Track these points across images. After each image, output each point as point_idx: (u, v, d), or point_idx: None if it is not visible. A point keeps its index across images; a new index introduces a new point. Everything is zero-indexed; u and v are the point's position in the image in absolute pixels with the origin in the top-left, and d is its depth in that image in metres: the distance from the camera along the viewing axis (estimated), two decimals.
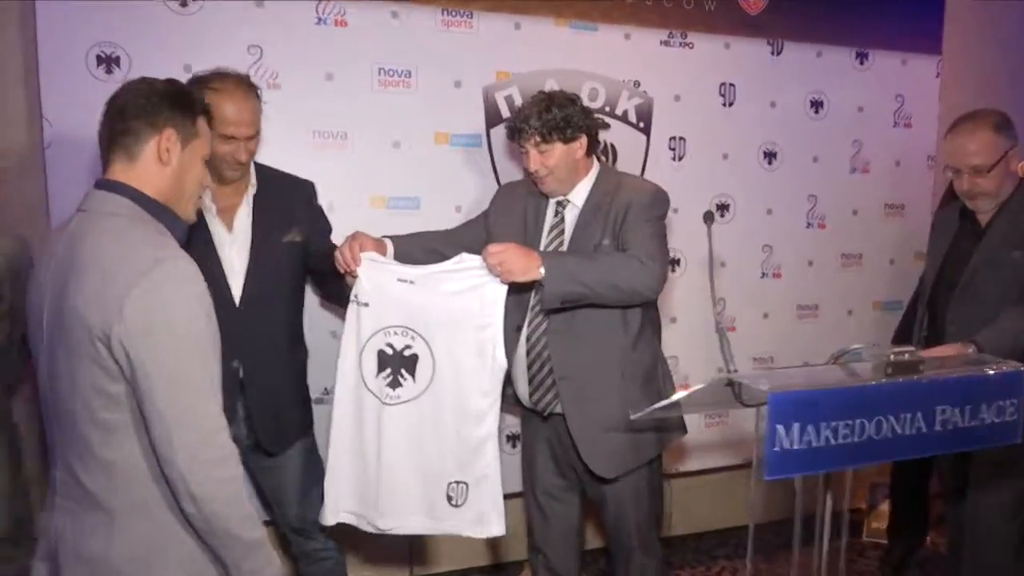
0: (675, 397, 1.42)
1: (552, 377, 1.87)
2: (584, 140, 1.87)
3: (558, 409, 1.89)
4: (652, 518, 2.01)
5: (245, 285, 1.77)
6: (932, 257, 2.13)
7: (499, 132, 2.38)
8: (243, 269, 1.78)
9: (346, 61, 2.23)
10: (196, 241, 1.58)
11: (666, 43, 2.56)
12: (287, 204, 1.88)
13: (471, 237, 1.95)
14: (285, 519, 1.96)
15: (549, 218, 1.94)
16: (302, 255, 1.89)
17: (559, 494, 2.02)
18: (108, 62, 2.03)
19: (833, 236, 2.87)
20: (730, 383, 1.39)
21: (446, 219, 2.30)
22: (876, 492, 3.09)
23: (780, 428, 1.22)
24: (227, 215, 1.80)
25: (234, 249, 1.79)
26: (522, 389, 1.94)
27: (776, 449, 1.22)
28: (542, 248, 1.88)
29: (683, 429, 2.03)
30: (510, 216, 1.97)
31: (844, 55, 2.81)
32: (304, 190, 1.95)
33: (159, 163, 1.19)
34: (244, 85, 1.76)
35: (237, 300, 1.76)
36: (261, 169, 1.88)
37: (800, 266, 2.83)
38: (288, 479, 1.91)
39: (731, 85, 2.66)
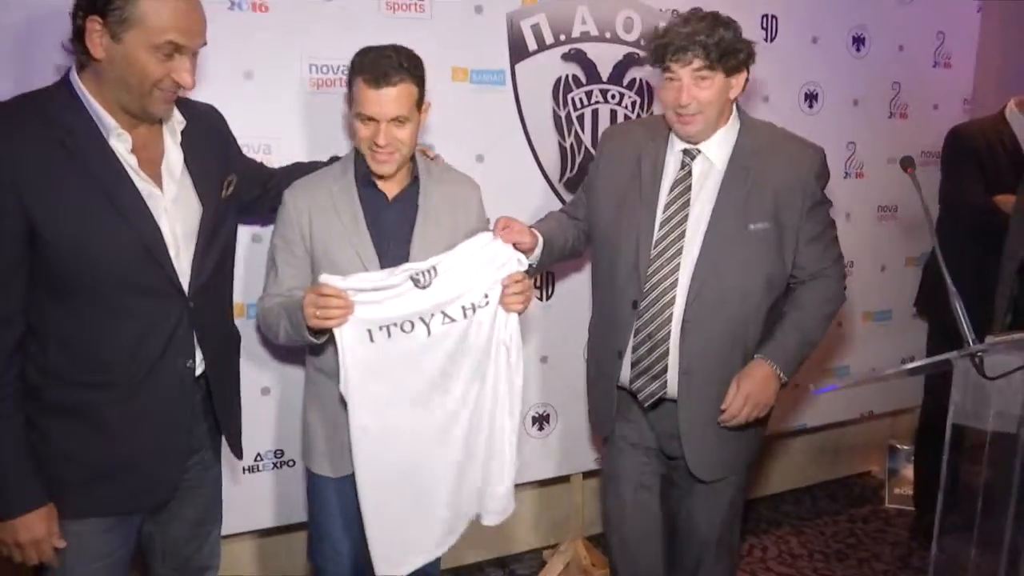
0: (906, 367, 1.35)
1: (664, 364, 1.64)
2: (743, 78, 1.60)
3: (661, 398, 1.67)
4: (736, 530, 1.83)
5: (195, 266, 1.36)
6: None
7: (525, 68, 2.13)
8: (190, 245, 1.36)
9: None
10: (120, 205, 1.26)
11: None
12: (214, 142, 1.48)
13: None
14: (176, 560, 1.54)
15: (671, 170, 1.66)
16: (238, 204, 1.53)
17: (650, 483, 1.78)
18: None
19: (871, 187, 2.72)
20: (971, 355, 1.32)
21: (467, 171, 1.97)
22: (898, 456, 3.04)
23: None
24: (151, 168, 1.33)
25: (176, 216, 1.34)
26: (624, 370, 1.69)
27: None
28: (661, 210, 1.63)
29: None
30: (622, 165, 1.71)
31: None
32: (219, 117, 1.55)
33: None
34: None
35: (186, 287, 1.35)
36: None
37: (838, 220, 2.58)
38: (199, 506, 1.52)
39: (773, 17, 2.44)
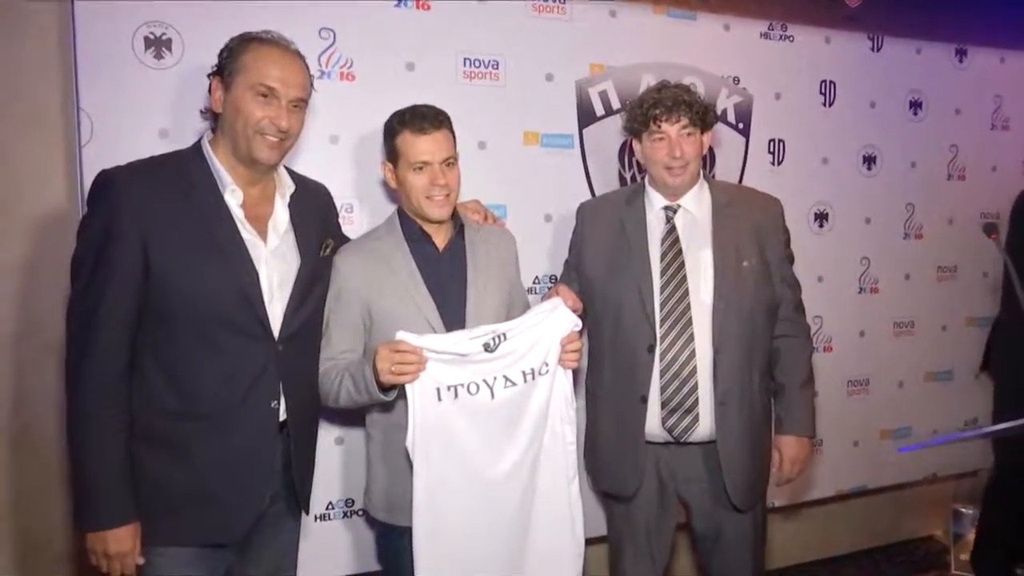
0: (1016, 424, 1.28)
1: (694, 398, 1.69)
2: (709, 137, 1.79)
3: (698, 435, 1.71)
4: (763, 552, 1.88)
5: (287, 313, 1.45)
6: None
7: (592, 132, 2.21)
8: (284, 294, 1.46)
9: (428, 49, 2.01)
10: (225, 250, 1.38)
11: (766, 35, 2.41)
12: (319, 210, 1.62)
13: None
14: None
15: (656, 227, 1.77)
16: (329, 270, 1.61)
17: (666, 530, 1.83)
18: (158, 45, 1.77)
19: (930, 247, 2.72)
20: None
21: (536, 230, 2.13)
22: (962, 520, 2.94)
23: None
24: (258, 223, 1.47)
25: (273, 266, 1.46)
26: (652, 416, 1.71)
27: None
28: (657, 261, 1.73)
29: None
30: (605, 230, 1.81)
31: (943, 52, 2.67)
32: (327, 193, 1.70)
33: None
34: (295, 49, 1.50)
35: (276, 332, 1.44)
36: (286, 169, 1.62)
37: (897, 279, 2.67)
38: (276, 554, 1.57)
39: (831, 83, 2.51)
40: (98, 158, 1.66)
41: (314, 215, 1.57)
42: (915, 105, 2.64)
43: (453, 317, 1.58)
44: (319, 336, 1.58)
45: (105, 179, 1.35)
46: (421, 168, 1.56)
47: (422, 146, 1.55)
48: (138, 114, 1.72)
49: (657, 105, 1.69)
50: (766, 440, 1.80)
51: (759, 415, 1.76)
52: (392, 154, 1.61)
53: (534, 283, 2.13)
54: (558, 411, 1.56)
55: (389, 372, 1.44)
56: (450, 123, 1.61)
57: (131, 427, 1.36)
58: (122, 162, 1.40)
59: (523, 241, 1.85)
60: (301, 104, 1.46)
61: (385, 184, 1.84)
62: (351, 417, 1.93)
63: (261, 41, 1.44)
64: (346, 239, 1.72)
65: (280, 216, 1.49)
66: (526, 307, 1.72)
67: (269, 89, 1.39)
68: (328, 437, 1.92)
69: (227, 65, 1.41)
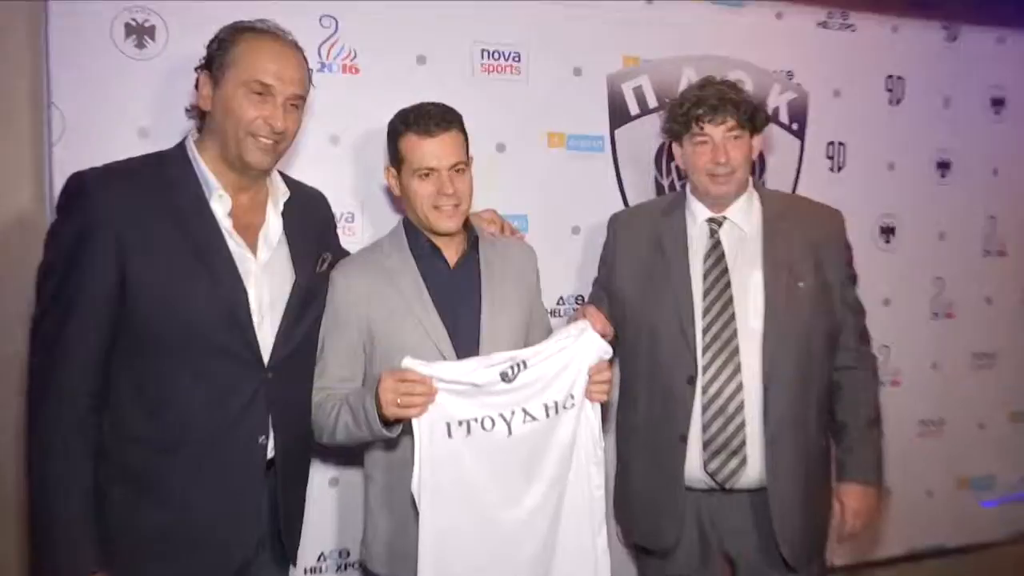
0: None
1: (741, 437, 1.57)
2: (760, 140, 1.69)
3: (745, 480, 1.60)
4: None
5: (278, 336, 1.37)
6: None
7: (625, 133, 2.08)
8: (276, 314, 1.37)
9: (441, 39, 1.90)
10: (209, 263, 1.31)
11: (824, 24, 2.27)
12: (316, 219, 1.55)
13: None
14: None
15: (699, 242, 1.68)
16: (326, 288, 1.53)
17: None
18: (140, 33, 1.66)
19: (1015, 266, 2.51)
20: None
21: (561, 244, 2.01)
22: None
23: None
24: (247, 233, 1.38)
25: (264, 282, 1.37)
26: (692, 457, 1.61)
27: None
28: (699, 281, 1.64)
29: None
30: (640, 245, 1.73)
31: None
32: (325, 201, 1.63)
33: None
34: (292, 41, 1.41)
35: (266, 357, 1.35)
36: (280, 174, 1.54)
37: (976, 303, 2.46)
38: None
39: (899, 78, 2.36)
40: (70, 158, 1.58)
41: (310, 225, 1.50)
42: (997, 103, 2.48)
43: (465, 342, 1.49)
44: (313, 363, 1.49)
45: (78, 182, 1.29)
46: (427, 175, 1.47)
47: (428, 150, 1.46)
48: (116, 110, 1.64)
49: (700, 104, 1.61)
50: (825, 488, 1.69)
51: (817, 459, 1.66)
52: (395, 158, 1.52)
53: (558, 304, 2.03)
54: (584, 450, 1.47)
55: (394, 404, 1.35)
56: (461, 124, 1.51)
57: (103, 464, 1.28)
58: (97, 163, 1.34)
59: (546, 256, 1.75)
60: (299, 102, 1.39)
61: (390, 191, 1.73)
62: (348, 455, 1.79)
63: (255, 32, 1.36)
64: (345, 253, 1.64)
65: (272, 226, 1.42)
66: (548, 331, 1.64)
67: (264, 86, 1.33)
68: (321, 478, 1.80)
69: (217, 58, 1.34)
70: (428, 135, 1.45)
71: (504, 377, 1.38)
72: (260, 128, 1.32)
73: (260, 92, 1.32)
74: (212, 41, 1.35)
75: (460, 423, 1.38)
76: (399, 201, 1.61)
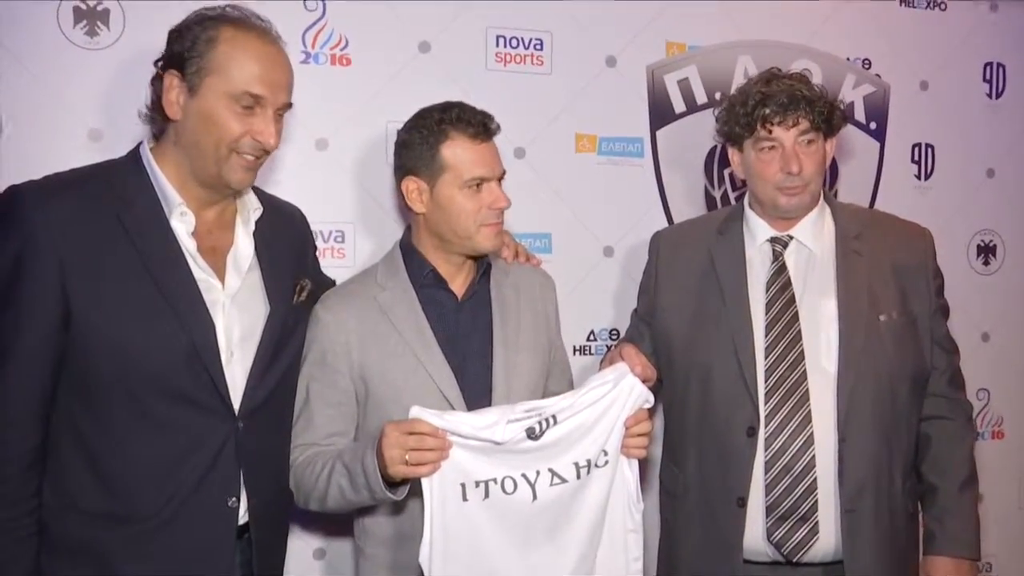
0: None
1: (812, 501, 1.49)
2: (833, 144, 1.62)
3: (817, 552, 1.51)
4: None
5: (251, 379, 1.31)
6: None
7: (669, 135, 1.98)
8: (247, 353, 1.32)
9: (448, 23, 1.82)
10: (169, 292, 1.25)
11: (908, 3, 2.15)
12: (292, 240, 1.48)
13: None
14: None
15: (760, 266, 1.60)
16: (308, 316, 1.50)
17: None
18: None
19: None
20: None
21: (591, 269, 1.92)
22: None
23: None
24: (214, 257, 1.32)
25: (234, 316, 1.31)
26: (753, 524, 1.53)
27: None
28: (761, 313, 1.57)
29: None
30: (689, 270, 1.66)
31: None
32: (303, 219, 1.56)
33: None
34: (276, 34, 1.35)
35: (236, 404, 1.29)
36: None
37: None
38: None
39: (999, 66, 2.22)
40: (8, 167, 1.51)
41: (286, 248, 1.43)
42: None
43: (475, 388, 1.43)
44: (291, 409, 1.43)
45: (14, 197, 1.24)
46: (479, 186, 1.41)
47: (481, 157, 1.40)
48: (63, 108, 1.58)
49: (767, 102, 1.52)
50: (911, 561, 1.62)
51: (902, 527, 1.58)
52: (428, 166, 1.41)
53: (589, 340, 1.94)
54: (619, 516, 1.42)
55: (401, 462, 1.26)
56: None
57: (42, 535, 1.23)
58: (40, 172, 1.27)
59: (574, 283, 1.73)
60: (287, 110, 1.33)
61: (401, 206, 1.65)
62: (336, 521, 1.68)
63: (235, 27, 1.27)
64: (328, 281, 1.56)
65: (243, 249, 1.35)
66: (566, 373, 1.60)
67: (254, 98, 1.26)
68: (304, 548, 1.71)
69: (191, 60, 1.25)
70: (481, 139, 1.40)
71: (531, 434, 1.32)
72: (247, 145, 1.26)
73: (251, 105, 1.26)
74: (179, 31, 1.26)
75: (478, 484, 1.31)
76: (408, 216, 1.52)
